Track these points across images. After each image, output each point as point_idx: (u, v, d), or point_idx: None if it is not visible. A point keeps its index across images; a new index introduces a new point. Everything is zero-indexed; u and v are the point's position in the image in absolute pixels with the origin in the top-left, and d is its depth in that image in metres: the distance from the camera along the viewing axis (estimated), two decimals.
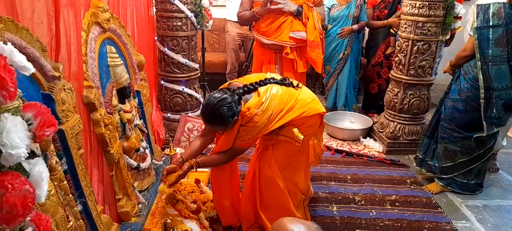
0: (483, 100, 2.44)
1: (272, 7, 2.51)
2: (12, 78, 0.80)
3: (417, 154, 2.95)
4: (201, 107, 1.86)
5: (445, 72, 2.81)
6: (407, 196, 2.65)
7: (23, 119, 0.83)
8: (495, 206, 2.59)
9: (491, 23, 2.35)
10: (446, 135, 2.65)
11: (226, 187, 2.16)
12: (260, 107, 1.85)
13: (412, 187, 2.77)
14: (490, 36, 2.36)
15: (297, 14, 2.55)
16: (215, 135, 2.17)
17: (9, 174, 0.79)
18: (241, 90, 1.88)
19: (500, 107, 2.45)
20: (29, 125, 0.85)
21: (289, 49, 2.59)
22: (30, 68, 0.89)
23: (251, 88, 1.92)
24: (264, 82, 1.95)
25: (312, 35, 2.55)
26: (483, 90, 2.43)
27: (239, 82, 2.03)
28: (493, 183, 2.88)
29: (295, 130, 1.95)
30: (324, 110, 2.06)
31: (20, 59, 0.84)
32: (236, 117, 1.83)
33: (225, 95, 1.80)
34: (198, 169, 2.88)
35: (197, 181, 2.47)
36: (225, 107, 1.77)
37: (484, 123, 2.49)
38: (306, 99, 2.00)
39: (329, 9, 3.85)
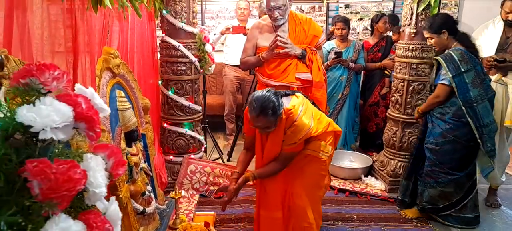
0: (479, 140, 2.54)
1: (280, 51, 2.60)
2: (99, 119, 0.83)
3: (398, 197, 2.99)
4: (250, 104, 1.91)
5: (416, 119, 2.94)
6: None
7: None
8: None
9: (462, 69, 2.49)
10: (440, 178, 2.67)
11: (278, 198, 2.13)
12: (302, 106, 1.99)
13: (419, 225, 2.78)
14: (466, 80, 2.50)
15: (301, 57, 2.64)
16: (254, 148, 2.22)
17: (92, 213, 0.80)
18: (280, 93, 2.01)
19: (493, 140, 2.59)
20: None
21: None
22: (107, 110, 0.92)
23: (288, 93, 2.07)
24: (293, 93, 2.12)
25: (317, 77, 2.64)
26: (475, 130, 2.53)
27: None
28: (496, 219, 2.91)
29: (322, 143, 2.05)
30: (341, 130, 2.19)
31: (100, 101, 0.87)
32: (282, 111, 1.92)
33: (267, 91, 1.93)
34: (205, 213, 2.87)
35: (207, 224, 2.44)
36: (273, 98, 1.89)
37: (488, 158, 2.61)
38: (325, 116, 2.17)
39: (328, 52, 3.99)
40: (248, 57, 2.80)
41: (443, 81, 2.56)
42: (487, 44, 2.97)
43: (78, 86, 0.87)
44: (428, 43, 2.73)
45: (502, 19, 2.90)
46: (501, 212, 3.02)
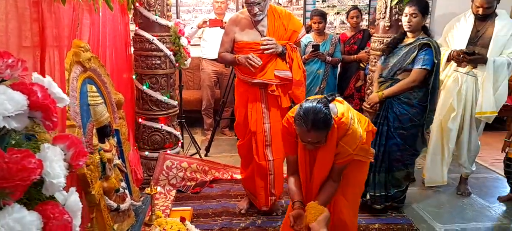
0: (425, 121, 2.71)
1: (265, 52, 2.52)
2: (55, 108, 0.79)
3: (375, 193, 2.82)
4: (300, 118, 1.71)
5: (373, 105, 2.84)
6: (389, 224, 2.70)
7: None
8: (473, 229, 2.70)
9: (438, 57, 2.62)
10: (408, 160, 2.78)
11: None
12: (350, 112, 1.81)
13: (393, 215, 2.83)
14: (438, 67, 2.67)
15: (281, 54, 2.60)
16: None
17: (49, 204, 0.77)
18: (326, 99, 1.80)
19: (430, 125, 2.82)
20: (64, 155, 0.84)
21: (275, 87, 2.63)
22: (66, 100, 0.88)
23: (331, 100, 1.85)
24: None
25: (297, 75, 2.60)
26: (427, 113, 2.68)
27: None
28: (467, 207, 3.01)
29: (369, 148, 1.89)
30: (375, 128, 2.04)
31: (58, 91, 0.84)
32: (332, 122, 1.74)
33: (317, 102, 1.73)
34: (182, 208, 2.85)
35: (183, 219, 2.41)
36: (324, 109, 1.70)
37: (426, 138, 2.81)
38: (361, 115, 2.00)
39: (306, 45, 4.01)
40: (225, 53, 2.73)
41: (425, 66, 2.58)
42: (458, 37, 3.04)
43: (35, 75, 0.83)
44: (405, 20, 2.69)
45: (473, 13, 2.97)
46: (471, 200, 3.11)
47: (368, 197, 2.85)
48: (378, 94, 2.78)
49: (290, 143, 1.96)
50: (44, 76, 1.72)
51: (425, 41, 2.63)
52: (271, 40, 2.53)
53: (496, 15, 2.89)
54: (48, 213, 0.73)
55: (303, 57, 3.92)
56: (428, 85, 2.63)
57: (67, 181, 1.90)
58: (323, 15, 4.03)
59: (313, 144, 1.76)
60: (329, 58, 4.00)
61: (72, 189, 0.89)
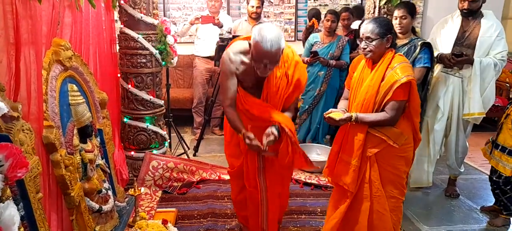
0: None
1: (265, 154, 2.19)
2: None
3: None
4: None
5: None
6: None
7: None
8: None
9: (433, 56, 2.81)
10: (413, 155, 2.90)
11: (358, 148, 2.07)
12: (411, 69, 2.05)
13: None
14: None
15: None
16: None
17: None
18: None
19: None
20: (0, 166, 0.80)
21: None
22: (3, 108, 0.84)
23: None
24: None
25: (284, 159, 2.20)
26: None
27: None
28: (454, 208, 2.99)
29: (396, 130, 2.01)
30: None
31: None
32: (392, 47, 2.03)
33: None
34: (167, 209, 2.81)
35: (165, 222, 2.38)
36: (390, 25, 2.03)
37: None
38: None
39: (312, 45, 3.94)
40: (234, 113, 2.20)
41: (426, 64, 2.72)
42: (445, 38, 3.01)
43: None
44: (396, 23, 2.76)
45: (459, 8, 2.94)
46: (460, 202, 3.10)
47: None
48: None
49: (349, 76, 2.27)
50: (19, 76, 1.69)
51: (424, 41, 2.75)
52: (271, 140, 2.09)
53: (482, 16, 2.87)
54: None
55: (306, 59, 3.84)
56: (426, 84, 2.82)
57: (44, 182, 1.86)
58: (337, 15, 3.93)
59: (367, 40, 1.99)
60: (332, 62, 3.86)
61: (8, 202, 0.85)
